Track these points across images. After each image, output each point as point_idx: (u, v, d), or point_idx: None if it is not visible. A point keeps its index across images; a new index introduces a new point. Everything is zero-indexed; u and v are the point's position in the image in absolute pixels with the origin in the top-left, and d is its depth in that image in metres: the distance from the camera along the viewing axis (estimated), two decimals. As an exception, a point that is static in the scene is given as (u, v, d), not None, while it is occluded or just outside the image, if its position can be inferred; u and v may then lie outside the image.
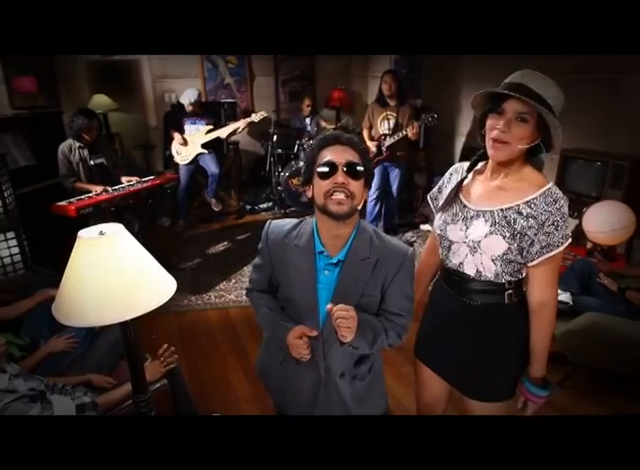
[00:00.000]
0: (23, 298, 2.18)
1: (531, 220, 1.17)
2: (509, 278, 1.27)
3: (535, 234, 1.18)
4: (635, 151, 3.07)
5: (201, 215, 5.19)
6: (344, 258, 1.20)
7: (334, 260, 1.21)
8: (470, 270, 1.30)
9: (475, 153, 1.36)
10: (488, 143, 1.22)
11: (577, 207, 3.26)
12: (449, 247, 1.35)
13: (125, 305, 1.11)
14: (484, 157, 1.32)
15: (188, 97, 4.56)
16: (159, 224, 4.86)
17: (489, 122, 1.21)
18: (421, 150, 4.99)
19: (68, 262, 1.14)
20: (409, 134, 3.97)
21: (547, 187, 1.19)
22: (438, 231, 1.38)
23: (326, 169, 1.15)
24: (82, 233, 1.14)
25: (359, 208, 1.20)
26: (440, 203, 1.39)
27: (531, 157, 1.25)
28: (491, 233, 1.22)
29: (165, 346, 1.85)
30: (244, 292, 3.46)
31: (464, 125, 4.83)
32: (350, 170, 1.15)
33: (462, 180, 1.34)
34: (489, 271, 1.26)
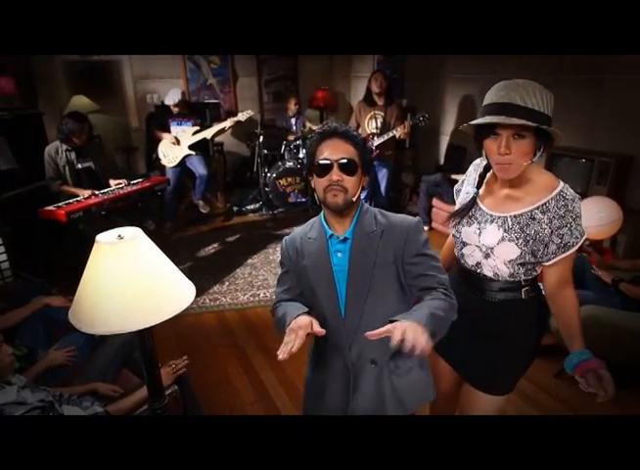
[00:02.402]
0: (15, 306, 2.11)
1: (545, 225, 1.19)
2: (525, 277, 1.30)
3: (550, 237, 1.19)
4: (619, 148, 3.18)
5: (188, 218, 5.11)
6: (352, 234, 1.24)
7: (342, 237, 1.25)
8: (487, 272, 1.33)
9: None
10: (494, 166, 1.23)
11: (564, 203, 3.37)
12: (462, 248, 1.38)
13: (149, 310, 1.08)
14: (488, 168, 1.32)
15: (172, 98, 4.49)
16: (144, 227, 4.76)
17: (488, 146, 1.19)
18: (408, 149, 5.04)
19: (86, 268, 1.11)
20: (400, 134, 4.01)
21: (559, 189, 1.19)
22: (454, 231, 1.41)
23: (322, 167, 1.20)
24: (101, 237, 1.11)
25: (355, 198, 1.22)
26: (459, 202, 1.42)
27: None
28: (504, 240, 1.24)
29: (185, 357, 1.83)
30: (238, 294, 3.47)
31: (448, 125, 4.90)
32: (345, 167, 1.19)
33: (478, 189, 1.34)
34: (504, 273, 1.30)
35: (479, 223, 1.31)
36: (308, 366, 1.41)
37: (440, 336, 1.12)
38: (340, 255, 1.25)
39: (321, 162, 1.20)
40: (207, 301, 3.38)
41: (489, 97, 1.18)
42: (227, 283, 3.65)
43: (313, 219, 1.34)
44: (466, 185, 1.43)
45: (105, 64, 5.33)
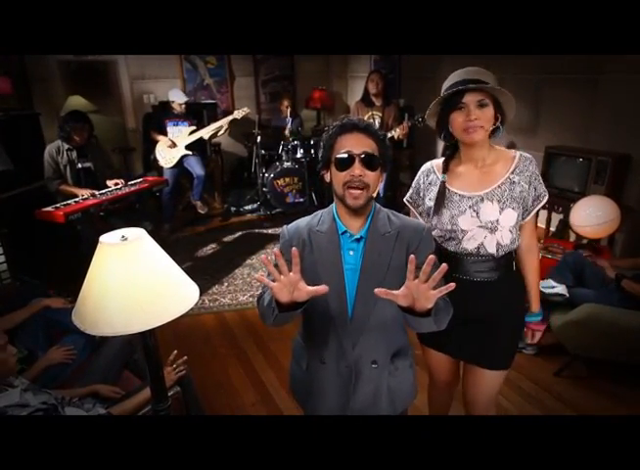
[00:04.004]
0: (13, 308, 2.10)
1: (523, 183, 1.38)
2: (517, 241, 1.43)
3: (528, 193, 1.39)
4: (616, 147, 3.20)
5: (186, 218, 5.10)
6: (366, 234, 1.22)
7: (357, 236, 1.22)
8: (491, 249, 1.40)
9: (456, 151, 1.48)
10: (462, 135, 1.35)
11: (562, 202, 3.37)
12: (462, 236, 1.41)
13: (153, 311, 1.08)
14: (451, 155, 1.46)
15: (177, 97, 4.49)
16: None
17: (455, 119, 1.34)
18: (405, 149, 5.04)
19: (90, 269, 1.10)
20: (398, 134, 4.01)
21: (519, 153, 1.41)
22: (448, 226, 1.43)
23: (343, 160, 1.17)
24: (104, 239, 1.10)
25: (375, 195, 1.23)
26: (432, 205, 1.45)
27: (492, 138, 1.42)
28: (503, 209, 1.37)
29: (175, 352, 1.81)
30: (238, 295, 3.47)
31: (446, 124, 4.90)
32: (367, 161, 1.16)
33: (444, 181, 1.43)
34: (507, 241, 1.40)
35: (471, 207, 1.40)
36: (297, 366, 1.38)
37: (437, 325, 1.14)
38: (352, 253, 1.23)
39: (342, 155, 1.17)
40: (207, 301, 3.37)
41: (450, 80, 1.37)
42: (226, 283, 3.64)
43: (321, 212, 1.31)
44: (424, 187, 1.49)
45: (101, 64, 5.31)
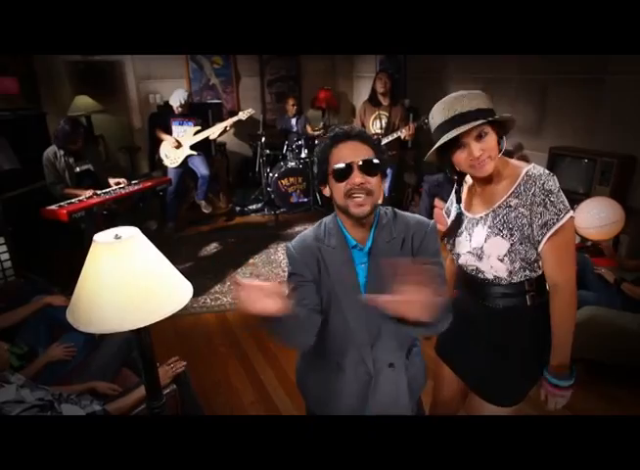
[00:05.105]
0: (16, 306, 2.13)
1: (520, 209, 1.20)
2: (526, 274, 1.25)
3: (530, 219, 1.19)
4: (621, 148, 3.16)
5: (190, 218, 5.12)
6: (371, 244, 1.20)
7: (365, 249, 1.20)
8: (488, 276, 1.30)
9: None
10: (470, 170, 1.23)
11: (566, 203, 3.35)
12: (458, 259, 1.37)
13: (146, 309, 1.09)
14: (461, 180, 1.35)
15: (178, 98, 4.49)
16: (145, 228, 4.77)
17: (459, 158, 1.21)
18: (410, 149, 5.02)
19: (84, 267, 1.11)
20: (405, 135, 4.00)
21: (524, 171, 1.21)
22: (449, 247, 1.40)
23: (341, 171, 1.13)
24: (98, 237, 1.11)
25: (380, 201, 1.19)
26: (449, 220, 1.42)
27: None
28: (489, 236, 1.25)
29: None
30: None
31: (451, 125, 4.88)
32: (366, 168, 1.13)
33: (460, 213, 1.36)
34: (503, 271, 1.25)
35: (467, 230, 1.33)
36: (304, 365, 1.38)
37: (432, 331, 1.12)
38: (363, 266, 1.20)
39: (340, 165, 1.12)
40: (209, 300, 3.39)
41: (438, 118, 1.21)
42: (228, 283, 3.65)
43: (324, 222, 1.26)
44: (451, 205, 1.45)
45: (108, 64, 5.34)
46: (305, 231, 1.28)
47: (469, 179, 1.37)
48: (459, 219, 1.35)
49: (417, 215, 1.27)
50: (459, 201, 1.36)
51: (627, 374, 2.30)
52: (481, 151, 1.17)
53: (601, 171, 3.09)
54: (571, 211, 1.18)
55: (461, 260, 1.35)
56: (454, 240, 1.37)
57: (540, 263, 1.26)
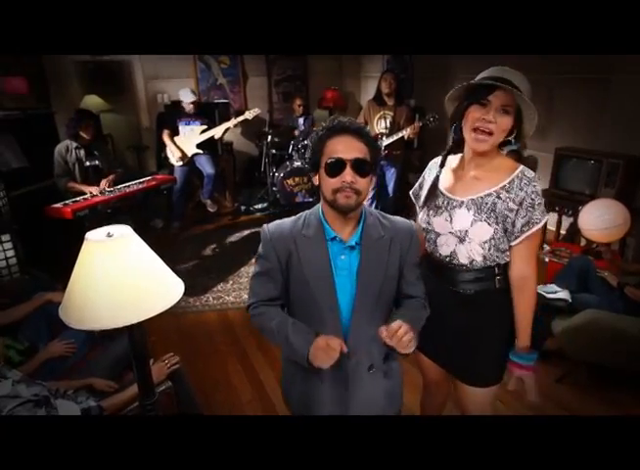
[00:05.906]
0: (20, 302, 2.16)
1: (510, 203, 1.25)
2: (497, 260, 1.31)
3: (516, 215, 1.25)
4: (627, 149, 3.12)
5: (195, 217, 5.16)
6: (360, 240, 1.19)
7: (351, 243, 1.19)
8: (463, 259, 1.33)
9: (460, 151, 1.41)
10: (470, 134, 1.26)
11: (571, 204, 3.31)
12: (436, 239, 1.38)
13: (139, 306, 1.10)
14: (455, 151, 1.39)
15: (185, 97, 4.54)
16: (151, 226, 4.82)
17: (472, 114, 1.24)
18: (415, 149, 5.00)
19: (76, 265, 1.12)
20: (409, 134, 3.99)
21: (519, 170, 1.27)
22: (424, 225, 1.41)
23: (333, 166, 1.12)
24: (90, 235, 1.12)
25: (365, 201, 1.21)
26: (422, 198, 1.43)
27: (500, 147, 1.33)
28: (476, 221, 1.28)
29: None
30: (242, 293, 3.49)
31: (457, 125, 4.85)
32: (358, 167, 1.12)
33: (438, 176, 1.39)
34: (479, 256, 1.31)
35: (448, 211, 1.34)
36: (289, 376, 1.37)
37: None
38: (343, 257, 1.19)
39: (333, 160, 1.12)
40: (211, 299, 3.40)
41: (488, 72, 1.27)
42: (231, 281, 3.67)
43: (305, 214, 1.25)
44: (425, 181, 1.46)
45: (116, 64, 5.40)
46: (285, 219, 1.27)
47: (452, 162, 1.41)
48: (435, 184, 1.38)
49: (398, 218, 1.29)
50: (443, 165, 1.39)
51: (628, 378, 2.27)
52: (494, 120, 1.21)
53: (607, 173, 3.05)
54: (547, 216, 1.29)
55: (440, 240, 1.37)
56: (432, 217, 1.38)
57: (508, 253, 1.32)
